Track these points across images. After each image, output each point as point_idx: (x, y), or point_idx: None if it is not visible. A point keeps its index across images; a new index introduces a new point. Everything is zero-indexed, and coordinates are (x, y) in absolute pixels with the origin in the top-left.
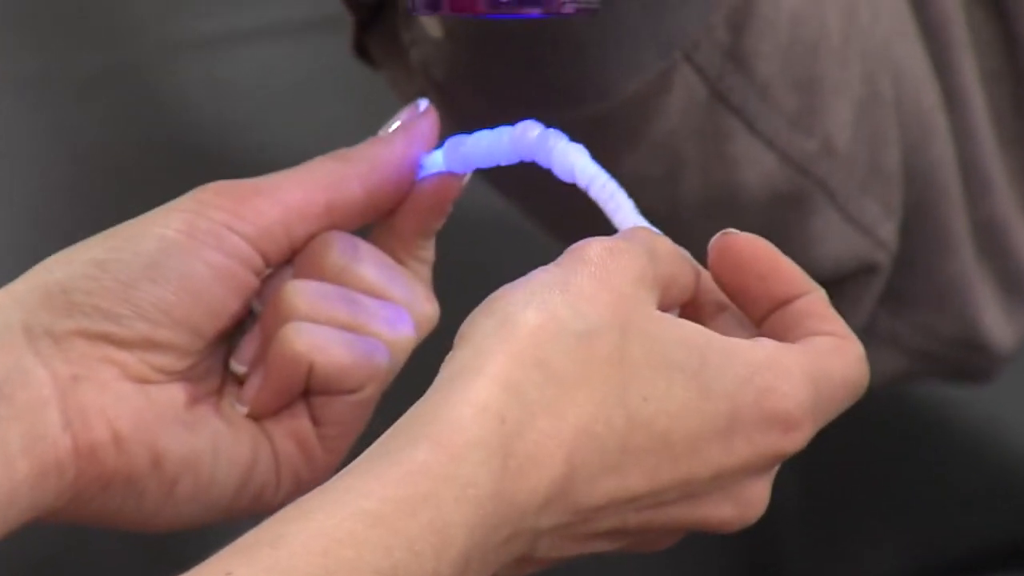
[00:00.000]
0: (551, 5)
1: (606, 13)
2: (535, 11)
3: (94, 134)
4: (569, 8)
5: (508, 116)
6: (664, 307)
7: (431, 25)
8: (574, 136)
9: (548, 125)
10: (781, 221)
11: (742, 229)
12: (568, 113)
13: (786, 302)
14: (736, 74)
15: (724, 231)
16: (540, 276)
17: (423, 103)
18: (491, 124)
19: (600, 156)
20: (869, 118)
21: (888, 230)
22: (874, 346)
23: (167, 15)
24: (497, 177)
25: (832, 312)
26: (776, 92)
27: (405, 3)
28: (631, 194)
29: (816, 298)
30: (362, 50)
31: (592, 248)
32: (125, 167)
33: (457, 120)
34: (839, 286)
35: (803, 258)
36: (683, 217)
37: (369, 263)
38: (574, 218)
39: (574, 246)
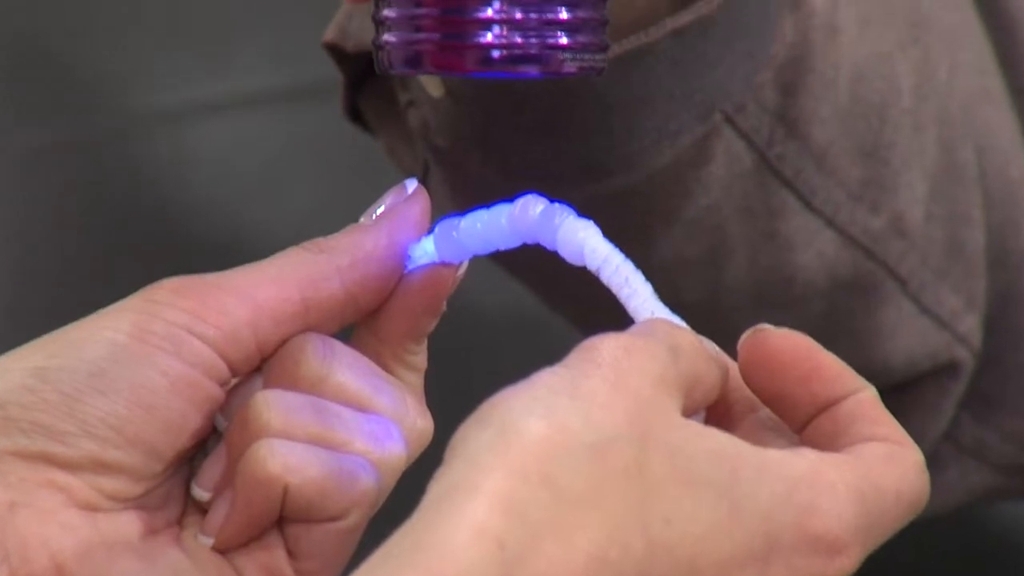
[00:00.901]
0: (549, 64)
1: (633, 70)
2: (532, 70)
3: (43, 212)
4: (570, 67)
5: (521, 190)
6: (688, 412)
7: (430, 83)
8: (598, 214)
9: (567, 200)
10: (843, 312)
11: (797, 320)
12: (591, 187)
13: (831, 404)
14: (788, 140)
15: (756, 327)
16: (545, 379)
17: (411, 184)
18: (501, 198)
19: (630, 237)
20: (947, 193)
21: (970, 324)
22: (955, 459)
23: (132, 84)
24: (503, 255)
25: (884, 414)
26: (836, 161)
27: (379, 62)
28: (666, 280)
29: (865, 398)
30: (355, 113)
31: (605, 346)
32: (80, 250)
33: (462, 195)
34: (914, 388)
35: (870, 356)
36: (726, 307)
37: (351, 370)
38: (593, 304)
39: (584, 344)
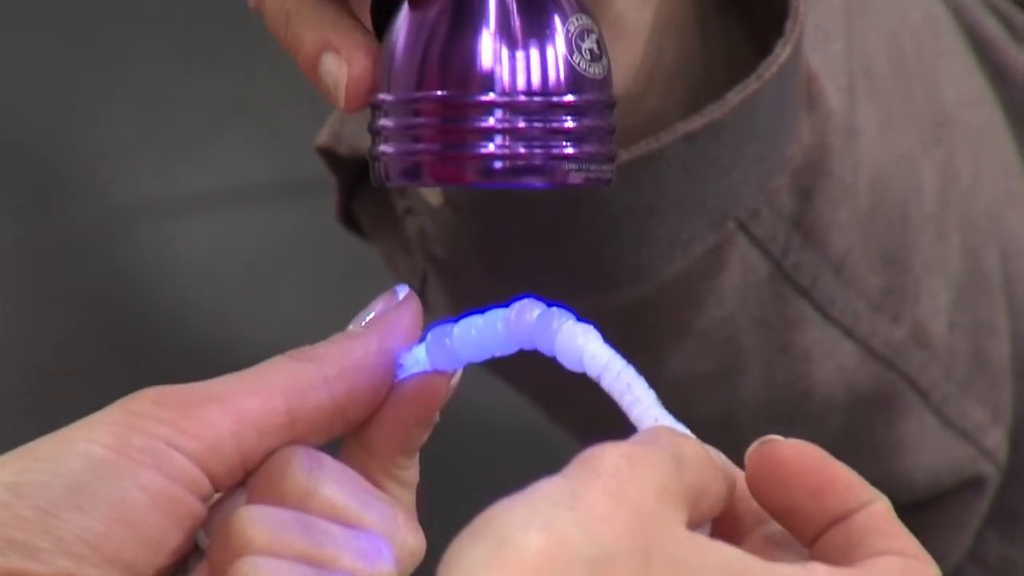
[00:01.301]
0: (554, 175)
1: (642, 176)
2: (536, 182)
3: (20, 310)
4: (576, 178)
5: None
6: (693, 524)
7: (428, 191)
8: (606, 326)
9: (574, 312)
10: (863, 426)
11: (814, 436)
12: (598, 299)
13: (843, 517)
14: (805, 248)
15: (764, 439)
16: (544, 490)
17: (402, 290)
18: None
19: (639, 350)
20: (970, 302)
21: (995, 437)
22: None
23: (115, 178)
24: (499, 363)
25: (898, 526)
26: (855, 269)
27: (375, 174)
28: (677, 395)
29: (878, 510)
30: (350, 219)
31: (606, 456)
32: (58, 349)
33: (462, 306)
34: (937, 504)
35: (891, 471)
36: (741, 422)
37: (339, 484)
38: (593, 413)
39: (584, 453)
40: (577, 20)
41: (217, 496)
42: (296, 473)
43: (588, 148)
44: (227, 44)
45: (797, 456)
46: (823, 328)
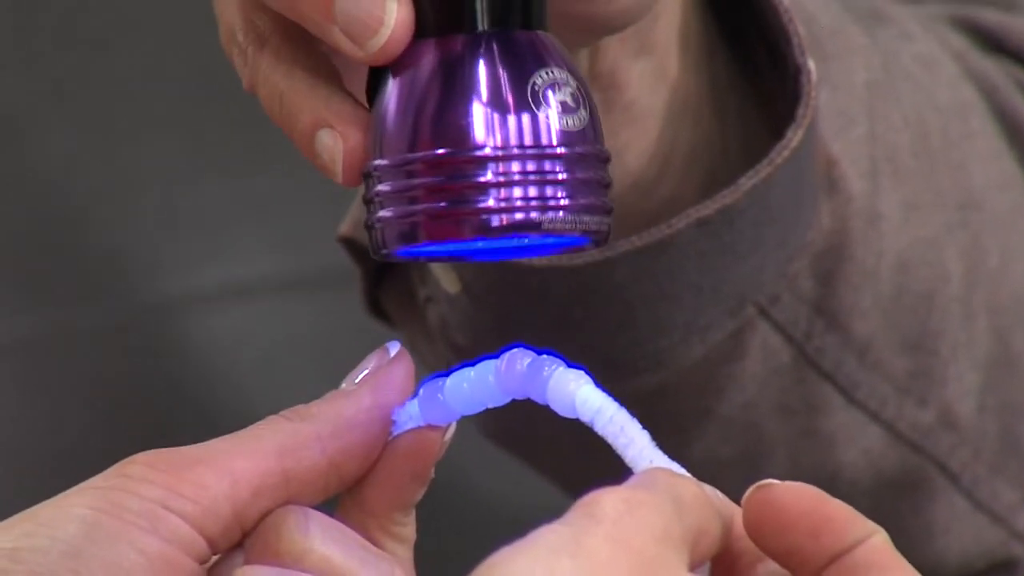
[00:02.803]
0: (551, 227)
1: (656, 262)
2: (533, 235)
3: (38, 402)
4: (572, 229)
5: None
6: (693, 565)
7: (446, 278)
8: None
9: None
10: (891, 509)
11: None
12: (616, 386)
13: (842, 554)
14: (828, 333)
15: (760, 484)
16: (544, 538)
17: (393, 346)
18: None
19: (659, 438)
20: (1000, 384)
21: None
22: None
23: (133, 273)
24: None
25: (896, 558)
26: (880, 353)
27: (373, 244)
28: (701, 480)
29: (877, 544)
30: (376, 307)
31: (606, 501)
32: (77, 443)
33: None
34: None
35: (920, 555)
36: None
37: (335, 543)
38: (584, 463)
39: (584, 499)
40: (547, 75)
41: (215, 559)
42: (292, 532)
43: (582, 200)
44: (240, 144)
45: (795, 499)
46: (848, 412)
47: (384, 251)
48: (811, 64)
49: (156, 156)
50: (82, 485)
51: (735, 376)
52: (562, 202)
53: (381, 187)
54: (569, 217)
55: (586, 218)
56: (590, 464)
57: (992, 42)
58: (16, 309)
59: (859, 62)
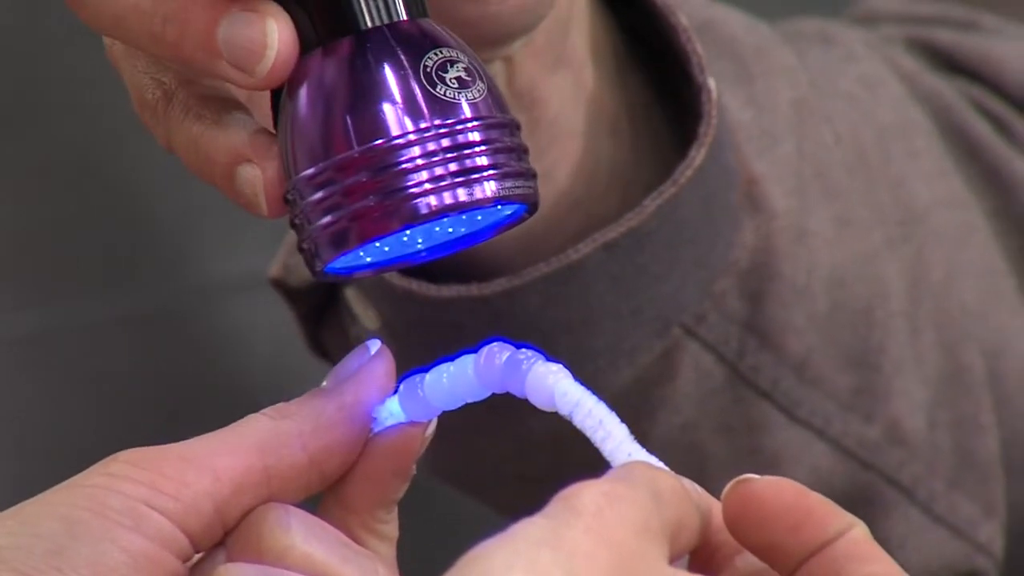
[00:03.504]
0: (477, 195)
1: (567, 288)
2: (461, 210)
3: (95, 385)
4: (499, 191)
5: (476, 423)
6: (672, 558)
7: (366, 315)
8: (561, 442)
9: (528, 429)
10: None
11: None
12: (548, 414)
13: (822, 547)
14: (762, 351)
15: (739, 479)
16: (525, 530)
17: (374, 344)
18: (458, 433)
19: (603, 461)
20: (951, 398)
21: (989, 532)
22: None
23: (179, 261)
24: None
25: (876, 550)
26: (819, 370)
27: (310, 267)
28: None
29: (856, 536)
30: (320, 348)
31: (586, 495)
32: (130, 425)
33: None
34: None
35: None
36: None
37: (317, 540)
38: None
39: (564, 492)
40: (437, 54)
41: (197, 556)
42: (274, 530)
43: (504, 167)
44: None
45: (774, 493)
46: (791, 430)
47: (319, 267)
48: (711, 83)
49: None
50: (65, 483)
51: (668, 398)
52: (485, 172)
53: (303, 203)
54: (496, 186)
55: (511, 184)
56: (527, 492)
57: (946, 61)
58: (39, 300)
59: (785, 81)
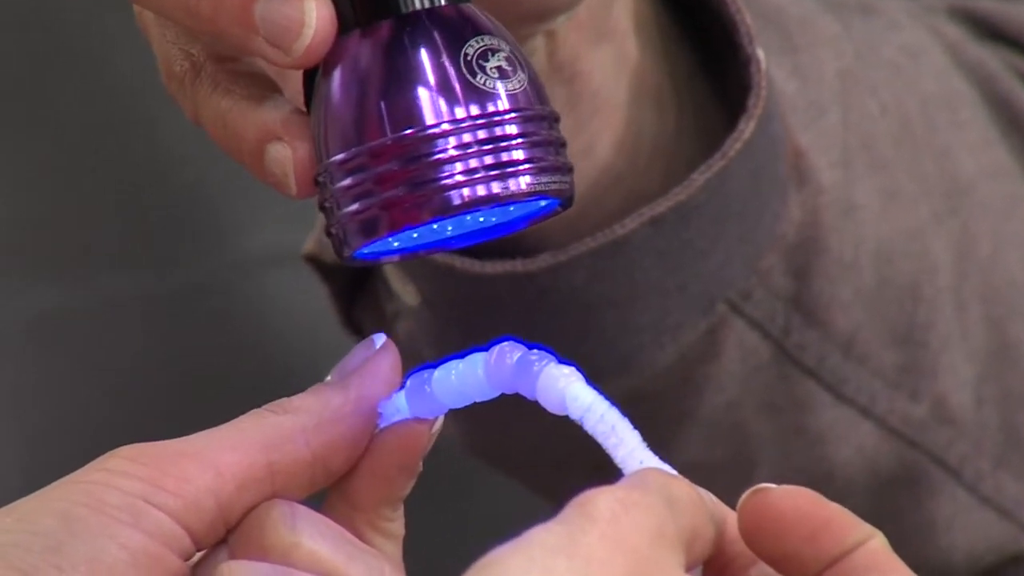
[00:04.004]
0: (511, 191)
1: (613, 264)
2: (494, 204)
3: (140, 357)
4: (533, 186)
5: (513, 406)
6: (687, 568)
7: (406, 291)
8: None
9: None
10: (892, 507)
11: None
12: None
13: (840, 558)
14: (808, 328)
15: (755, 488)
16: (539, 537)
17: (379, 338)
18: (497, 414)
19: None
20: (998, 375)
21: None
22: None
23: (229, 229)
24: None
25: (895, 561)
26: (866, 347)
27: (338, 252)
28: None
29: (875, 547)
30: (353, 326)
31: (601, 501)
32: (173, 396)
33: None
34: None
35: (925, 553)
36: None
37: (322, 538)
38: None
39: (578, 498)
40: (478, 42)
41: (199, 555)
42: (277, 527)
43: (540, 161)
44: None
45: (791, 503)
46: (837, 409)
47: (347, 253)
48: (760, 53)
49: None
50: (63, 480)
51: (713, 376)
52: (521, 166)
53: (334, 187)
54: (531, 180)
55: (547, 179)
56: (568, 477)
57: (990, 29)
58: (56, 279)
59: (830, 52)
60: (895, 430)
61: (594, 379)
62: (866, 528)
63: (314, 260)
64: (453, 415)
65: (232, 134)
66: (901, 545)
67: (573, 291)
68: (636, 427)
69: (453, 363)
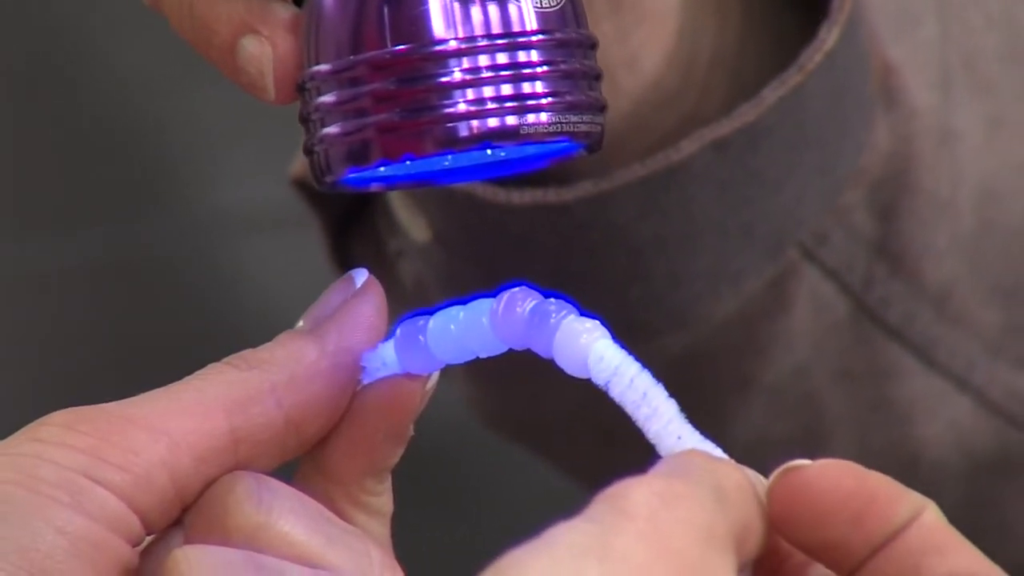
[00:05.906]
0: (530, 130)
1: (666, 197)
2: (507, 142)
3: (111, 317)
4: (556, 128)
5: (536, 362)
6: (739, 569)
7: (414, 225)
8: None
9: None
10: (988, 498)
11: None
12: (634, 352)
13: (890, 540)
14: (893, 279)
15: (786, 466)
16: (566, 536)
17: (360, 275)
18: (512, 369)
19: (695, 414)
20: None
21: None
22: None
23: (196, 190)
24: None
25: (954, 536)
26: (963, 304)
27: (314, 170)
28: (749, 467)
29: (928, 522)
30: (344, 259)
31: (637, 494)
32: (144, 357)
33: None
34: None
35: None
36: None
37: (296, 516)
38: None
39: (609, 491)
40: None
41: (149, 539)
42: (243, 504)
43: (567, 96)
44: None
45: (832, 482)
46: (926, 378)
47: (328, 178)
48: None
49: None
50: None
51: (780, 335)
52: (543, 100)
53: (321, 99)
54: (553, 118)
55: (573, 117)
56: (610, 455)
57: None
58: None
59: None
60: (996, 405)
61: (639, 338)
62: (916, 499)
63: (301, 185)
64: (464, 374)
65: (199, 23)
66: (1001, 543)
67: (615, 228)
68: (687, 394)
69: (453, 310)
